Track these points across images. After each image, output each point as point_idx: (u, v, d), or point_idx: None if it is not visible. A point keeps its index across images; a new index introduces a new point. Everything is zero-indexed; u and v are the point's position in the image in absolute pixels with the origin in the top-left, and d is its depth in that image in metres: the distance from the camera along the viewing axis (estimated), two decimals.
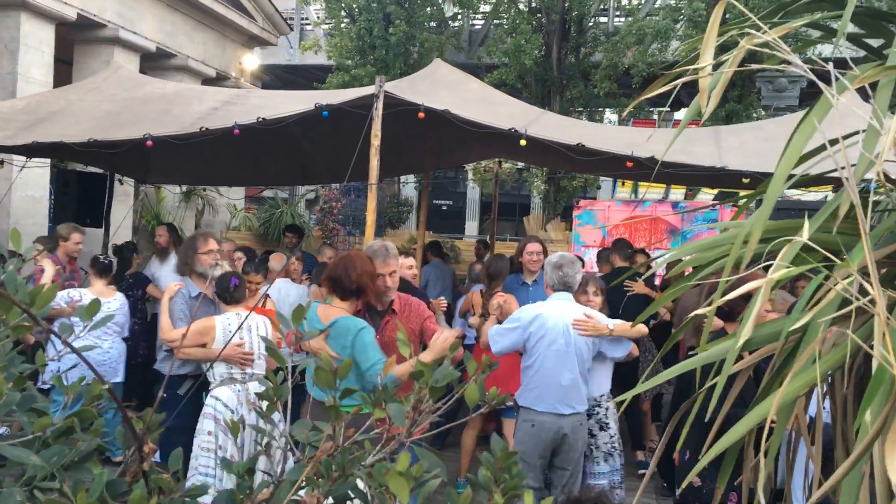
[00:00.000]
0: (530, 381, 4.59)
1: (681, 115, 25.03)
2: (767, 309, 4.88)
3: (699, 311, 1.77)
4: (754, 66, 1.88)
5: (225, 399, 4.66)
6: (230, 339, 4.63)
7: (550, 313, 4.57)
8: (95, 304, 1.26)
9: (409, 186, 25.50)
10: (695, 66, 1.76)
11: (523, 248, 6.61)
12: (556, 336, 4.51)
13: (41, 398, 1.16)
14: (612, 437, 4.80)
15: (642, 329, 4.66)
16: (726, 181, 7.95)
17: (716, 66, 1.84)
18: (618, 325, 4.58)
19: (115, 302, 6.09)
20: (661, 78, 1.87)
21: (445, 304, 6.01)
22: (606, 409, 4.85)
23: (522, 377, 4.67)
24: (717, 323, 4.34)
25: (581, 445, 4.60)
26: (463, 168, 25.74)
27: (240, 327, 4.66)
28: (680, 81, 1.74)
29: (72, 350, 1.08)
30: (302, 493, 1.12)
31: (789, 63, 1.67)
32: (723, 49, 1.92)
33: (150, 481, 1.09)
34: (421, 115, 5.92)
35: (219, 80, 15.24)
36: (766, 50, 1.76)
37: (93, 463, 1.10)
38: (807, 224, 1.46)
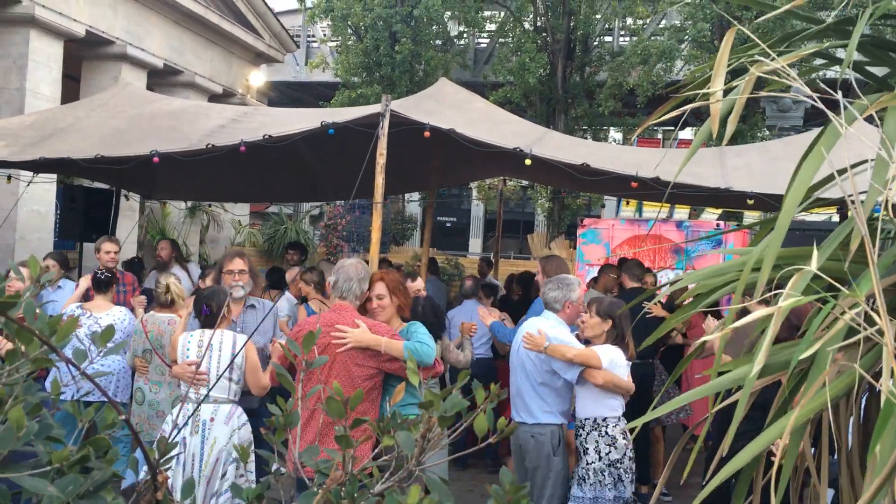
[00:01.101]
0: None
1: (686, 134, 25.10)
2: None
3: (707, 338, 1.77)
4: (762, 94, 1.88)
5: (172, 419, 4.57)
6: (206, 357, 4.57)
7: (525, 328, 4.94)
8: (109, 332, 1.25)
9: (413, 204, 25.55)
10: (705, 91, 1.77)
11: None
12: (515, 346, 5.02)
13: (57, 426, 1.16)
14: (588, 463, 4.73)
15: (566, 353, 4.62)
16: (731, 201, 7.97)
17: (725, 91, 1.86)
18: (552, 345, 4.66)
19: (107, 317, 5.91)
20: (671, 101, 1.88)
21: (475, 329, 6.10)
22: (588, 433, 4.77)
23: None
24: (727, 358, 4.32)
25: (531, 459, 4.79)
26: (467, 185, 25.78)
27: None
28: (690, 106, 1.75)
29: (87, 379, 1.08)
30: None
31: (800, 92, 1.68)
32: (730, 72, 1.94)
33: None
34: (427, 133, 5.94)
35: (225, 96, 15.33)
36: (775, 78, 1.78)
37: (107, 491, 1.10)
38: (815, 254, 1.46)
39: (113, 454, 1.15)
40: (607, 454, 4.68)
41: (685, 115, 2.01)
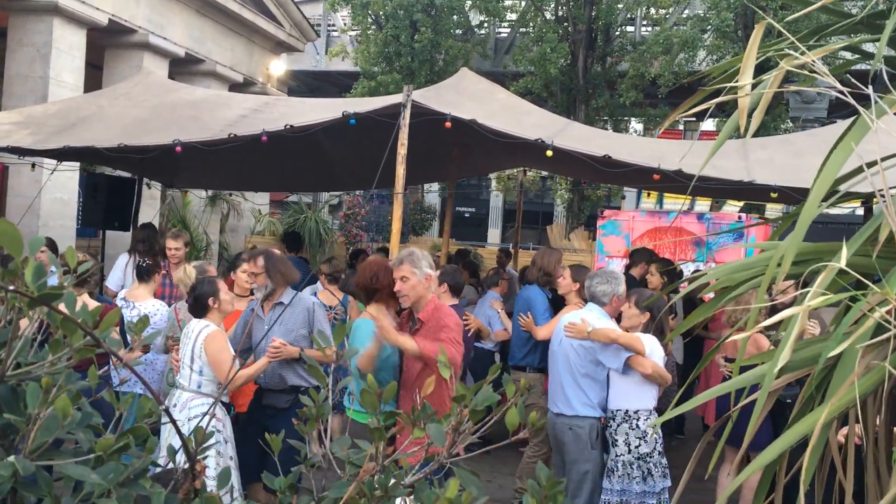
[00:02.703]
0: None
1: (707, 125, 24.89)
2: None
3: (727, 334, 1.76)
4: (791, 88, 1.86)
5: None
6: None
7: (565, 319, 5.00)
8: (143, 322, 1.27)
9: (432, 194, 25.54)
10: (733, 85, 1.75)
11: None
12: (557, 338, 5.04)
13: (96, 414, 1.18)
14: (617, 455, 4.70)
15: (610, 335, 4.69)
16: (753, 194, 7.89)
17: (753, 85, 1.83)
18: (596, 330, 4.71)
19: (144, 307, 5.93)
20: (698, 93, 1.86)
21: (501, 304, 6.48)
22: (618, 425, 4.76)
23: None
24: (754, 348, 4.35)
25: (569, 452, 4.84)
26: (486, 176, 25.74)
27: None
28: (717, 100, 1.73)
29: (128, 368, 1.09)
30: None
31: (830, 87, 1.65)
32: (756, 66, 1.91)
33: (202, 499, 1.10)
34: (448, 124, 5.93)
35: (246, 85, 15.37)
36: (805, 71, 1.75)
37: (145, 480, 1.11)
38: (844, 250, 1.44)
39: (152, 443, 1.17)
40: (637, 447, 4.66)
41: (710, 107, 1.99)
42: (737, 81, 1.76)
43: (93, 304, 5.88)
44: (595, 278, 5.07)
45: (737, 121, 1.85)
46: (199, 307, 4.69)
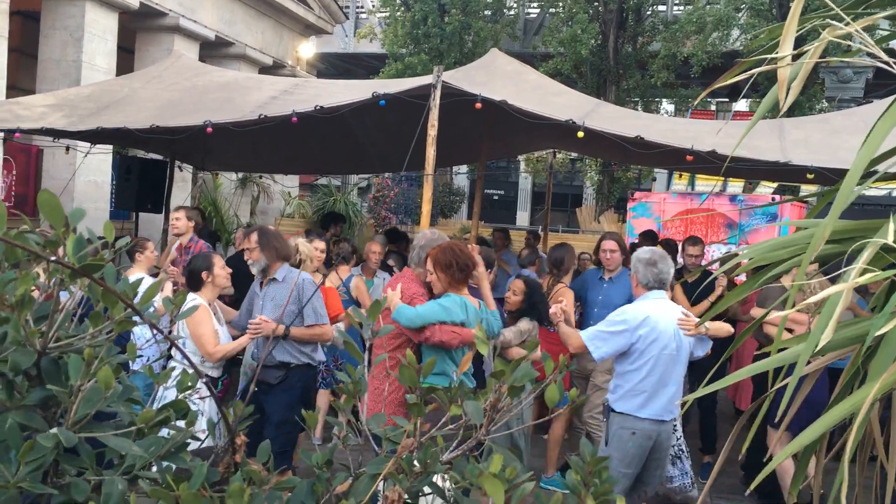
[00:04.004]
0: (635, 387, 4.24)
1: (740, 106, 24.52)
2: None
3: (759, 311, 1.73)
4: (833, 59, 1.82)
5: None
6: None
7: (658, 314, 4.25)
8: (182, 296, 1.27)
9: (461, 176, 25.49)
10: (773, 56, 1.71)
11: (599, 244, 6.53)
12: (669, 339, 4.22)
13: (136, 388, 1.19)
14: (678, 439, 4.64)
15: (728, 328, 4.45)
16: (788, 175, 7.76)
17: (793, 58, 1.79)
18: (712, 324, 4.32)
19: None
20: (739, 65, 1.82)
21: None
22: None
23: (621, 381, 4.33)
24: (769, 330, 4.25)
25: (664, 450, 4.40)
26: (515, 158, 25.62)
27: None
28: (759, 70, 1.70)
29: (169, 341, 1.10)
30: (380, 486, 1.12)
31: (873, 56, 1.61)
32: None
33: (242, 472, 1.11)
34: (478, 105, 5.89)
35: (275, 68, 15.40)
36: (848, 41, 1.71)
37: (185, 453, 1.12)
38: (891, 224, 1.41)
39: (192, 417, 1.17)
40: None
41: (750, 82, 1.95)
42: (777, 53, 1.72)
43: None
44: (659, 263, 4.37)
45: (775, 95, 1.81)
46: (193, 281, 4.77)
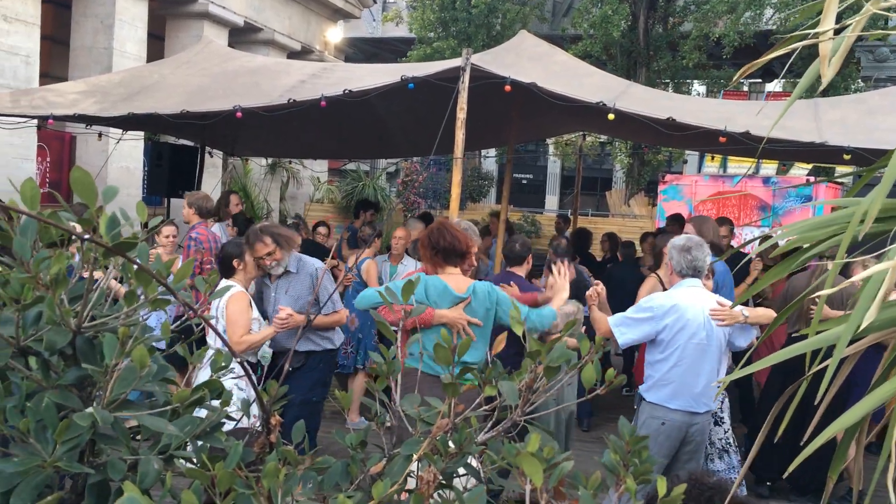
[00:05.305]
0: (664, 377, 4.14)
1: (773, 86, 24.12)
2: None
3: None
4: (874, 32, 1.77)
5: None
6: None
7: (688, 303, 4.14)
8: (214, 275, 1.27)
9: (489, 160, 25.39)
10: (814, 31, 1.67)
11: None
12: (697, 328, 4.10)
13: (170, 368, 1.19)
14: (726, 432, 4.55)
15: (771, 314, 4.23)
16: (823, 156, 7.62)
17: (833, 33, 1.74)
18: (752, 311, 4.19)
19: None
20: (778, 44, 1.77)
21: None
22: (721, 401, 4.50)
23: (651, 371, 4.25)
24: (829, 312, 4.12)
25: (700, 444, 4.28)
26: (544, 141, 25.46)
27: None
28: (801, 44, 1.65)
29: (204, 322, 1.10)
30: (413, 467, 1.11)
31: None
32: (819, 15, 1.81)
33: (277, 452, 1.11)
34: (507, 88, 5.84)
35: (303, 53, 15.43)
36: (890, 14, 1.66)
37: (220, 433, 1.12)
38: None
39: (227, 397, 1.17)
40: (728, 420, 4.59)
41: (789, 62, 1.90)
42: (818, 28, 1.67)
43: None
44: (694, 250, 4.23)
45: (813, 73, 1.76)
46: (224, 268, 4.77)
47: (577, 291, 5.14)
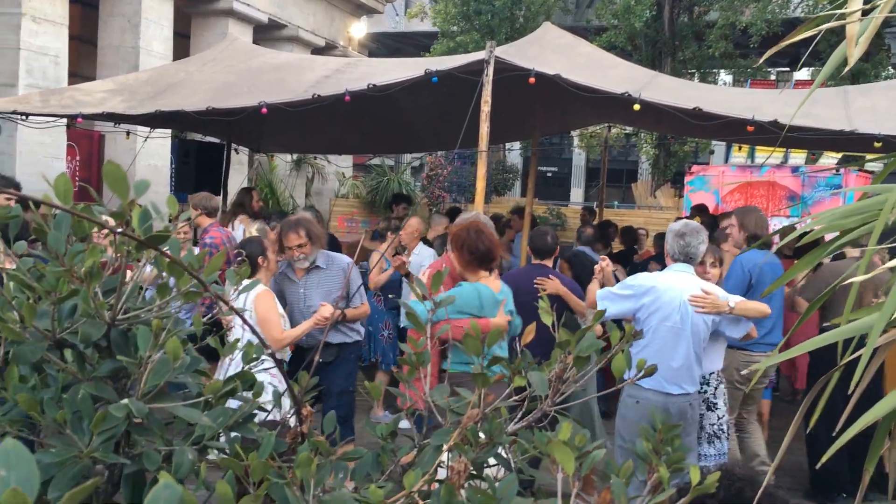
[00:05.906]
0: (636, 355, 4.23)
1: (801, 75, 23.80)
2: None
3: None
4: None
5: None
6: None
7: (666, 286, 4.18)
8: (245, 268, 1.28)
9: (514, 153, 25.32)
10: (842, 12, 1.65)
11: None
12: (671, 311, 4.14)
13: (202, 360, 1.21)
14: (719, 418, 4.55)
15: (764, 309, 4.22)
16: (853, 145, 7.51)
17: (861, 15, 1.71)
18: (739, 302, 4.18)
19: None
20: (805, 24, 1.75)
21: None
22: (716, 387, 4.53)
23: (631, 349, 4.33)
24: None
25: (692, 429, 4.31)
26: (568, 134, 25.34)
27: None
28: (826, 26, 1.63)
29: (235, 313, 1.11)
30: (444, 457, 1.12)
31: None
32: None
33: (309, 443, 1.12)
34: (532, 80, 5.82)
35: (327, 49, 15.47)
36: None
37: (253, 424, 1.14)
38: None
39: (259, 388, 1.19)
40: (725, 406, 4.58)
41: (811, 46, 1.87)
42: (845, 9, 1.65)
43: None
44: (688, 236, 4.27)
45: (838, 57, 1.73)
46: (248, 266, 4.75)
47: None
